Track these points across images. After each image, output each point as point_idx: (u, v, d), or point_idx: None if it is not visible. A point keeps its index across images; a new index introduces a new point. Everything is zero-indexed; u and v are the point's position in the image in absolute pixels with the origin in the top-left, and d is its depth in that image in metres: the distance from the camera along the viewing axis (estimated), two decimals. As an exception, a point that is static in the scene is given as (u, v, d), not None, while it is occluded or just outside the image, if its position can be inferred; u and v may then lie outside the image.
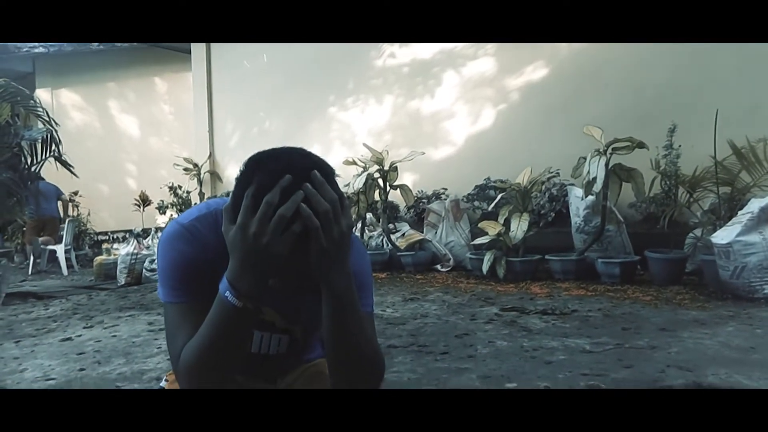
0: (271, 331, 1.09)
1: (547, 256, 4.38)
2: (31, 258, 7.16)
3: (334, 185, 0.85)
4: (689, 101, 4.36)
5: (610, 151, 3.87)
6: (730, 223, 3.41)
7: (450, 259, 5.04)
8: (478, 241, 4.48)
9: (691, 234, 4.01)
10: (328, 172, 0.85)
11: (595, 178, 3.85)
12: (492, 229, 4.34)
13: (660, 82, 4.61)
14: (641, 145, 3.78)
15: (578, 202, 4.34)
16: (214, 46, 8.17)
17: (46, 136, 6.30)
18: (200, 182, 7.95)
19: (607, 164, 3.86)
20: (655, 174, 4.03)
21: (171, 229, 0.99)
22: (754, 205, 3.32)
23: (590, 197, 4.13)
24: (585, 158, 4.01)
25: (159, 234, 6.44)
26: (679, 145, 3.99)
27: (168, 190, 7.92)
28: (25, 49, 9.56)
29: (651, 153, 3.92)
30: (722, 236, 3.34)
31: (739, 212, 3.43)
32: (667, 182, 4.06)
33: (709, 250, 3.52)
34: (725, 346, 2.41)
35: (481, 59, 5.65)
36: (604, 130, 3.97)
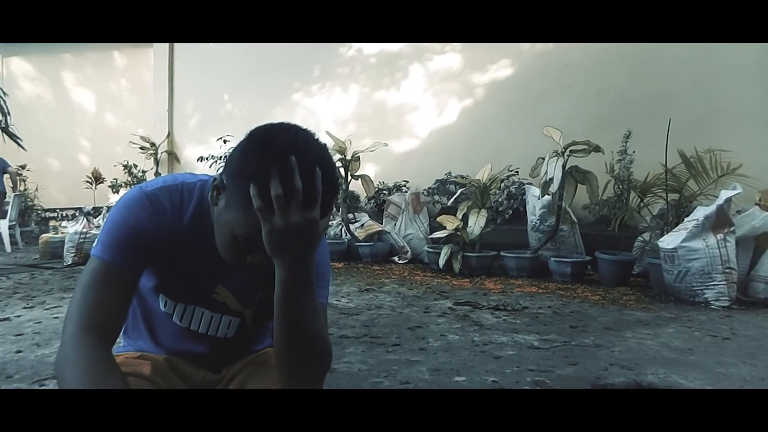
0: (222, 311, 1.06)
1: (502, 253, 4.46)
2: (-28, 233, 6.82)
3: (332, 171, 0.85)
4: (646, 108, 4.50)
5: (567, 152, 3.95)
6: (676, 229, 3.55)
7: (408, 251, 5.07)
8: (436, 234, 4.51)
9: (640, 237, 4.15)
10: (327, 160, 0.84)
11: (552, 179, 3.93)
12: (450, 223, 4.39)
13: (620, 87, 4.74)
14: (597, 149, 3.88)
15: (535, 201, 4.43)
16: (177, 22, 7.93)
17: (-7, 105, 5.99)
18: (157, 162, 7.73)
19: (564, 166, 3.95)
20: (609, 178, 4.15)
21: (132, 194, 0.96)
22: (699, 213, 3.46)
23: (547, 197, 4.21)
24: (543, 158, 4.09)
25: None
26: (633, 151, 4.11)
27: (122, 168, 7.67)
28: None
29: (606, 157, 4.03)
30: (668, 241, 3.47)
31: (686, 219, 3.57)
32: (620, 186, 4.18)
33: (656, 253, 3.66)
34: (665, 346, 2.51)
35: (448, 54, 5.68)
36: (564, 132, 4.05)
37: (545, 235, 4.32)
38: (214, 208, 0.89)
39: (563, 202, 4.09)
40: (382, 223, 5.31)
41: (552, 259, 4.19)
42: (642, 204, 4.05)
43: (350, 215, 5.34)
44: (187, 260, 0.98)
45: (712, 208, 3.40)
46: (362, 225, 5.28)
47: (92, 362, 0.82)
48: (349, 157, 4.99)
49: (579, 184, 4.04)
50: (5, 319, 3.03)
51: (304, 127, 0.86)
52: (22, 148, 6.47)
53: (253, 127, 0.85)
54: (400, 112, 6.00)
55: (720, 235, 3.35)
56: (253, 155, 0.80)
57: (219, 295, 1.04)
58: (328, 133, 5.08)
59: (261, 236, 0.80)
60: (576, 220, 4.34)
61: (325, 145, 0.87)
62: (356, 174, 5.08)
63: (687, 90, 4.42)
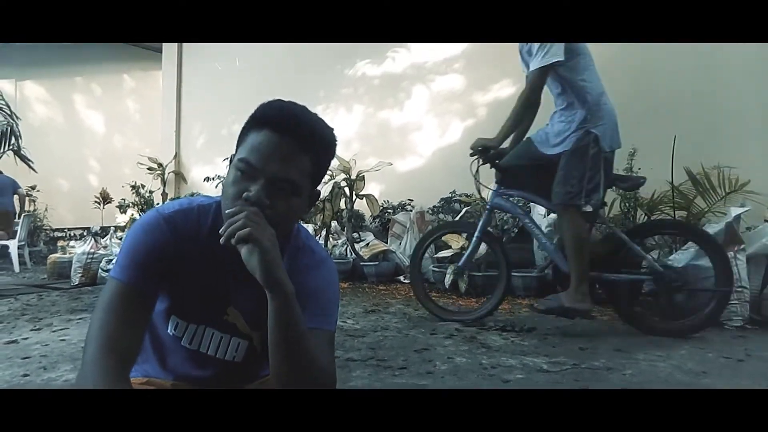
0: (232, 333, 1.07)
1: (509, 272, 4.41)
2: (-19, 253, 6.88)
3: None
4: (650, 124, 4.48)
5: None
6: (685, 247, 3.52)
7: (414, 271, 5.04)
8: (442, 254, 4.49)
9: (648, 255, 4.11)
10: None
11: (558, 197, 3.90)
12: (455, 242, 4.37)
13: (623, 104, 4.71)
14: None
15: (541, 220, 4.40)
16: (185, 45, 8.04)
17: (6, 129, 6.10)
18: (164, 182, 7.79)
19: (570, 183, 3.92)
20: (615, 195, 4.13)
21: (149, 216, 1.00)
22: (709, 231, 3.42)
23: (552, 215, 4.19)
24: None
25: (117, 233, 6.27)
26: (639, 168, 4.10)
27: (130, 188, 7.72)
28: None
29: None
30: (678, 259, 3.44)
31: (695, 237, 3.53)
32: (626, 204, 4.16)
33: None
34: (678, 369, 2.46)
35: (451, 75, 5.71)
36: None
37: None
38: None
39: (570, 221, 4.05)
40: (387, 243, 5.30)
41: (560, 278, 4.15)
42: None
43: (355, 234, 5.34)
44: (201, 280, 1.01)
45: (721, 225, 3.37)
46: (367, 244, 5.28)
47: (113, 385, 0.85)
48: (353, 177, 5.00)
49: (585, 203, 4.01)
50: (13, 342, 3.03)
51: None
52: (33, 170, 6.58)
53: None
54: (404, 132, 6.03)
55: (730, 253, 3.31)
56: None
57: (229, 316, 1.05)
58: (333, 153, 5.11)
59: (257, 160, 0.92)
60: (583, 239, 4.30)
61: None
62: (361, 193, 5.09)
63: (690, 104, 4.41)
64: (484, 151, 3.25)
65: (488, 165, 3.33)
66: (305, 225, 4.74)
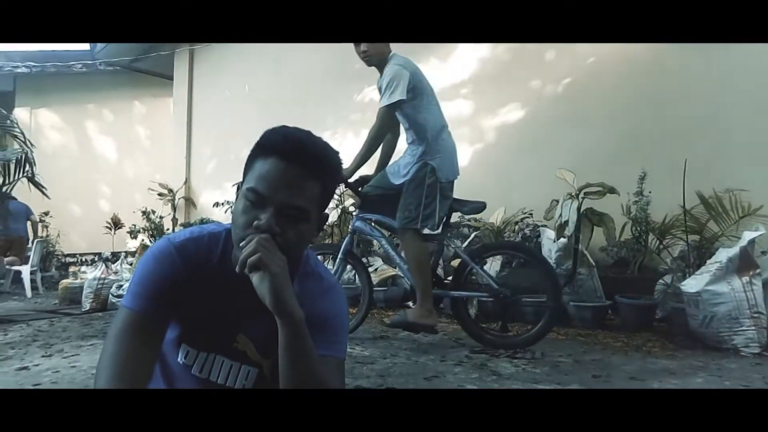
0: (242, 361, 1.07)
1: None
2: (-4, 278, 6.94)
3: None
4: (659, 147, 4.47)
5: (582, 195, 3.93)
6: (699, 271, 3.47)
7: (423, 296, 5.00)
8: (450, 279, 4.45)
9: (661, 280, 4.06)
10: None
11: (567, 221, 3.89)
12: (465, 266, 4.33)
13: (632, 126, 4.72)
14: (612, 191, 3.85)
15: (550, 244, 4.37)
16: (196, 72, 8.18)
17: (21, 156, 6.20)
18: (174, 208, 7.86)
19: (578, 208, 3.91)
20: (626, 219, 4.10)
21: (160, 245, 1.02)
22: (722, 255, 3.37)
23: (562, 240, 4.17)
24: (557, 201, 4.06)
25: (128, 259, 6.30)
26: (650, 192, 4.07)
27: (141, 214, 7.80)
28: (7, 69, 9.46)
29: (622, 198, 3.99)
30: (692, 285, 3.39)
31: (708, 261, 3.48)
32: (638, 228, 4.13)
33: (679, 297, 3.56)
34: (692, 397, 2.41)
35: (458, 100, 5.75)
36: (577, 173, 4.04)
37: (563, 279, 4.24)
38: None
39: (580, 245, 4.03)
40: (395, 268, 5.27)
41: (571, 303, 4.11)
42: (661, 246, 3.98)
43: (363, 260, 5.31)
44: (211, 307, 1.02)
45: (735, 249, 3.32)
46: (375, 270, 5.25)
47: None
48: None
49: (595, 226, 3.99)
50: (24, 368, 3.03)
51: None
52: (46, 196, 6.67)
53: None
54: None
55: (745, 278, 3.26)
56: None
57: (239, 343, 1.06)
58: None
59: (265, 188, 0.93)
60: (594, 263, 4.26)
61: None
62: (370, 218, 5.08)
63: (700, 126, 4.38)
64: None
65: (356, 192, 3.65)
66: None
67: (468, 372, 2.87)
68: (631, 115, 4.75)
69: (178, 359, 1.06)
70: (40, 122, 9.99)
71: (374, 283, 5.00)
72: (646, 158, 4.36)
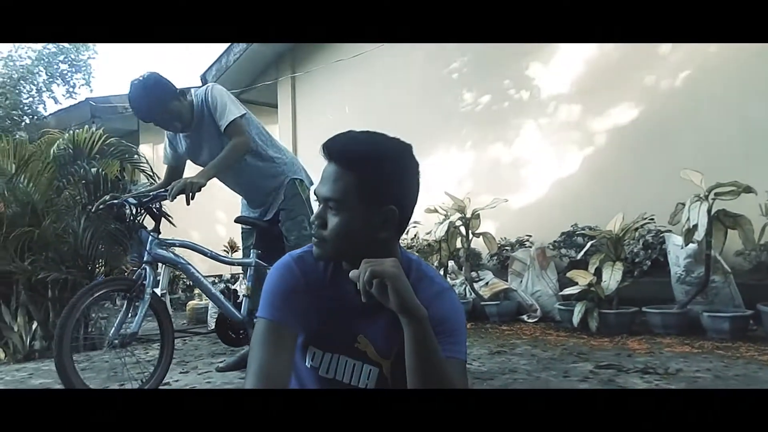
0: (363, 360, 1.14)
1: (644, 308, 4.11)
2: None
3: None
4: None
5: (712, 196, 3.63)
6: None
7: (537, 309, 4.85)
8: (567, 291, 4.29)
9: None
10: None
11: (696, 225, 3.60)
12: (582, 278, 4.15)
13: (765, 117, 4.29)
14: (748, 190, 3.52)
15: (677, 251, 4.07)
16: (298, 99, 8.60)
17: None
18: (284, 230, 8.23)
19: (709, 210, 3.61)
20: (766, 220, 3.72)
21: (282, 261, 1.15)
22: None
23: (691, 245, 3.86)
24: (683, 204, 3.78)
25: (245, 279, 6.67)
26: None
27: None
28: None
29: (760, 197, 3.63)
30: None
31: None
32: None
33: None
34: None
35: (563, 105, 5.55)
36: (705, 173, 3.74)
37: (694, 288, 3.92)
38: None
39: (712, 250, 3.71)
40: (507, 281, 5.16)
41: (704, 314, 3.78)
42: (809, 247, 3.56)
43: (473, 274, 5.25)
44: (331, 311, 1.12)
45: None
46: (486, 283, 5.17)
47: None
48: (468, 215, 4.97)
49: (729, 230, 3.66)
50: (165, 384, 3.30)
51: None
52: (173, 224, 7.25)
53: None
54: (517, 166, 5.92)
55: None
56: None
57: (360, 344, 1.13)
58: (446, 193, 5.13)
59: (316, 188, 1.10)
60: (730, 270, 3.90)
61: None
62: (477, 232, 5.03)
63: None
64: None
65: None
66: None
67: (594, 388, 2.72)
68: (764, 106, 4.32)
69: (306, 363, 1.16)
70: (160, 155, 10.92)
71: (485, 297, 4.94)
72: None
